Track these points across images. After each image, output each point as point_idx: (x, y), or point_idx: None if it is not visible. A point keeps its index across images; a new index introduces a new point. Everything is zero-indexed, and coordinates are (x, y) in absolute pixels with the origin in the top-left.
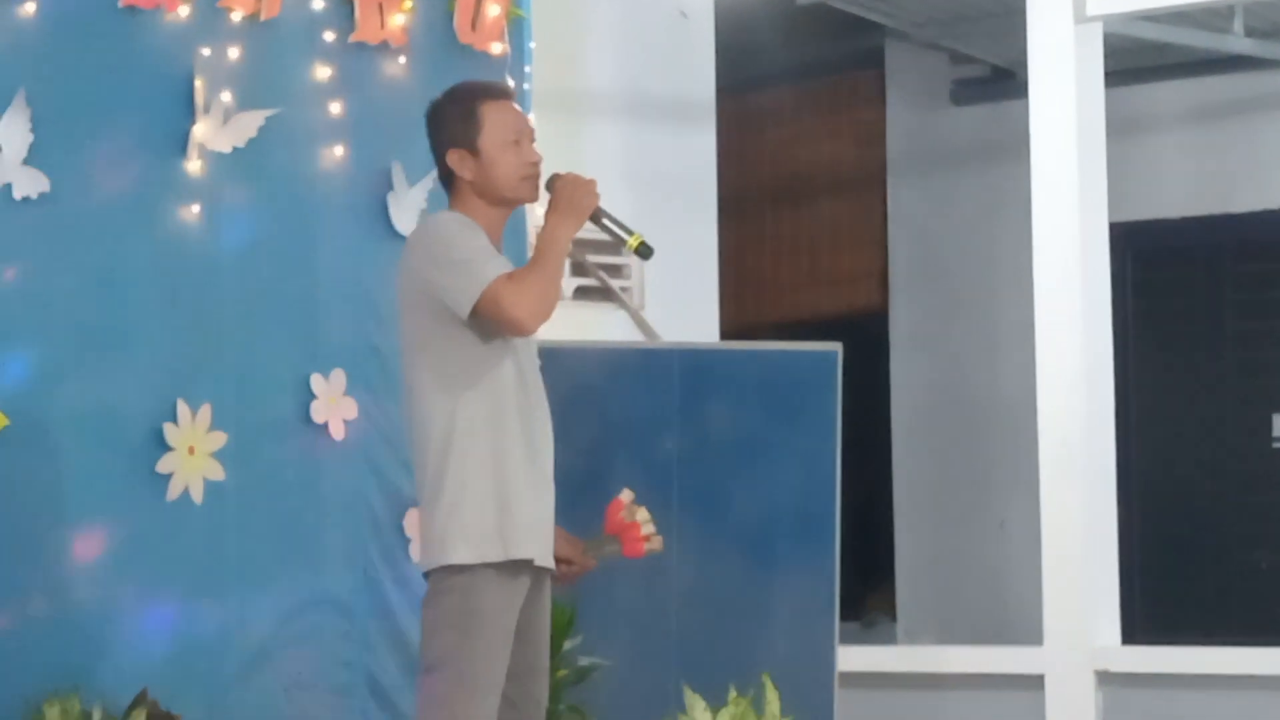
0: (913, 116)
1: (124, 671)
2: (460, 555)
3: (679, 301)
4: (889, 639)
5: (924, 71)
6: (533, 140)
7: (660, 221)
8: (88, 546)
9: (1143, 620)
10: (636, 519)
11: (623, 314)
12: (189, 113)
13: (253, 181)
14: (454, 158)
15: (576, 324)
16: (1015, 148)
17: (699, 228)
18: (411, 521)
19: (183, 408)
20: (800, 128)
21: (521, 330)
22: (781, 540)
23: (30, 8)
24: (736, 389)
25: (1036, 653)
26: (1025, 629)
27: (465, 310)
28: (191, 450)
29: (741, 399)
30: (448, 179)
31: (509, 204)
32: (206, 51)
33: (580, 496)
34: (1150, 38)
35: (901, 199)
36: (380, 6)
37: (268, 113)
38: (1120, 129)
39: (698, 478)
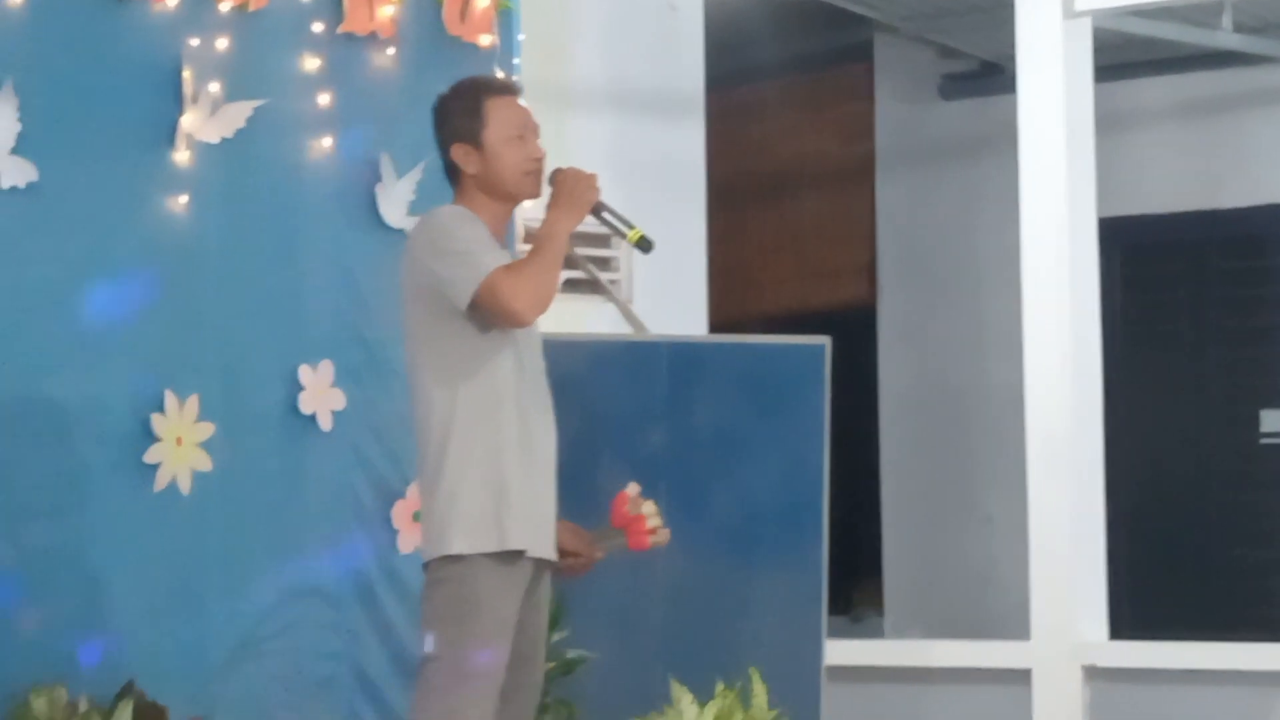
0: (901, 110)
1: (111, 662)
2: (457, 545)
3: (667, 294)
4: (876, 633)
5: (912, 66)
6: (537, 136)
7: (648, 214)
8: (75, 536)
9: (1130, 615)
10: (642, 511)
11: (610, 306)
12: (177, 103)
13: (241, 172)
14: (459, 152)
15: (564, 316)
16: (1003, 142)
17: (687, 220)
18: (399, 512)
19: (170, 398)
20: (789, 121)
21: (519, 321)
22: (769, 533)
23: None
24: (724, 382)
25: (1023, 647)
26: (1013, 624)
27: (464, 301)
28: (179, 441)
29: (729, 392)
30: (452, 173)
31: (512, 199)
32: (195, 42)
33: (565, 488)
34: (1139, 33)
35: (890, 193)
36: None
37: (256, 103)
38: (1108, 124)
39: (685, 470)
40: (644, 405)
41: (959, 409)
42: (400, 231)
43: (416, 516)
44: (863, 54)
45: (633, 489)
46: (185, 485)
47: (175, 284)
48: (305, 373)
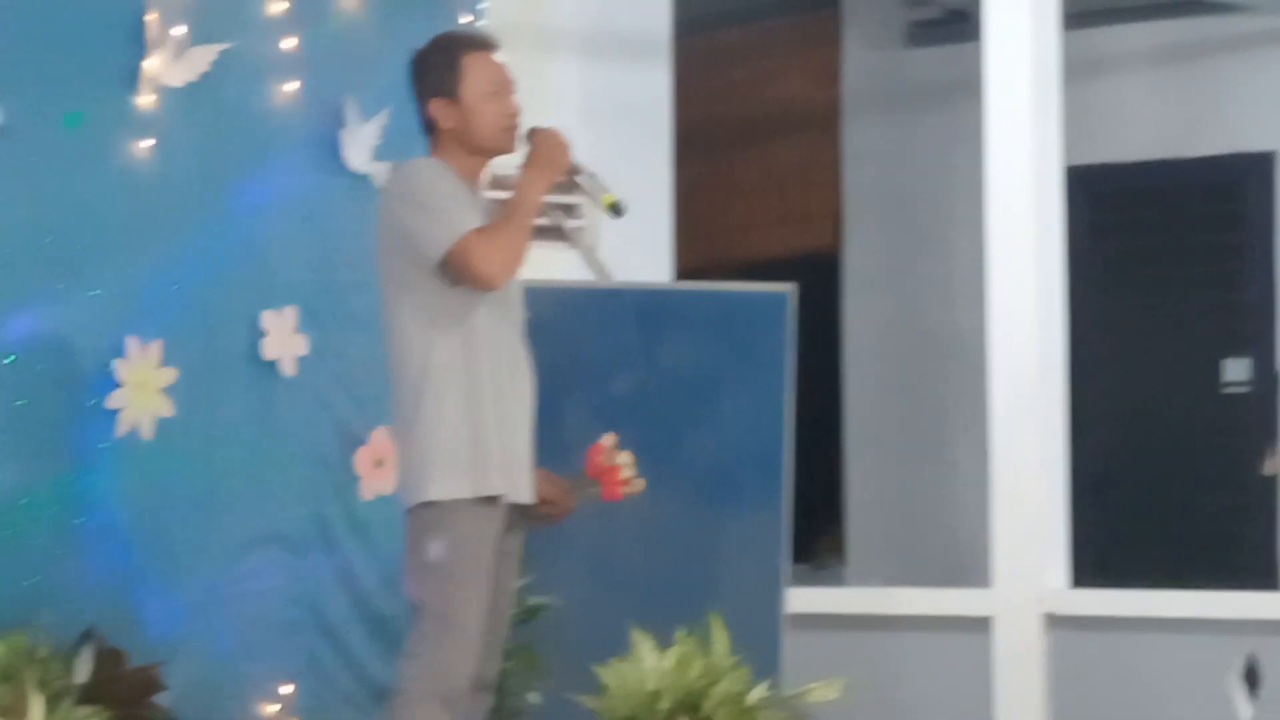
0: (869, 57)
1: (71, 608)
2: (434, 491)
3: (632, 240)
4: (838, 581)
5: (880, 12)
6: (513, 92)
7: (615, 159)
8: (35, 481)
9: (1092, 563)
10: (617, 462)
11: (575, 253)
12: (141, 47)
13: (205, 116)
14: (435, 106)
15: (529, 263)
16: (971, 90)
17: (654, 166)
18: (362, 459)
19: (133, 343)
20: (756, 67)
21: (489, 285)
22: (732, 481)
23: None
24: (689, 329)
25: (985, 595)
26: (975, 571)
27: (436, 258)
28: (142, 386)
29: (693, 340)
30: (429, 127)
31: (488, 153)
32: None
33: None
34: None
35: (857, 140)
36: None
37: (221, 47)
38: (1083, 72)
39: (647, 418)
40: (607, 353)
41: (925, 356)
42: (365, 177)
43: (379, 463)
44: (830, 0)
45: (608, 439)
46: (147, 431)
47: (138, 229)
48: (269, 318)
